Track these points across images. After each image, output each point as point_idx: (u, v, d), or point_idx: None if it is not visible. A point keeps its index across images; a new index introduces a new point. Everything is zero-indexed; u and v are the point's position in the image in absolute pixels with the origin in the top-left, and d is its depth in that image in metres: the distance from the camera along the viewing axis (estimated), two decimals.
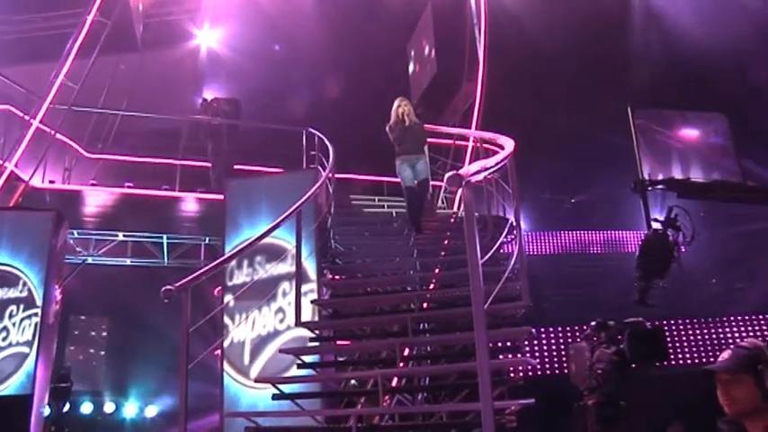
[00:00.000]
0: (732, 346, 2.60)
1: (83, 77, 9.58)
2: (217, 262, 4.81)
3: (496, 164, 4.28)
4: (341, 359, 5.93)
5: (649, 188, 8.14)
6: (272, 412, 4.76)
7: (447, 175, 3.24)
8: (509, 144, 5.46)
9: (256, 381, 5.34)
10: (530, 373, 10.95)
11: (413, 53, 14.58)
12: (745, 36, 12.03)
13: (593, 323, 6.28)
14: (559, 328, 11.95)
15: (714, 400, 2.50)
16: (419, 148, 7.76)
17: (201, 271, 4.40)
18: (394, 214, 9.15)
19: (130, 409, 13.37)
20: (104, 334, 14.61)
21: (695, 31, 12.43)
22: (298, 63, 14.32)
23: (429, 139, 8.16)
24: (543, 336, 11.93)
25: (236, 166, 10.17)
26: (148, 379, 13.31)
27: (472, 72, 11.66)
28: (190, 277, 4.20)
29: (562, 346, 11.63)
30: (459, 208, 9.43)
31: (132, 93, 11.87)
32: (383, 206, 9.62)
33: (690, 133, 10.23)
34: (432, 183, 8.31)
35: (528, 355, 9.23)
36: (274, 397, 4.83)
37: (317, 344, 5.67)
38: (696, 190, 8.68)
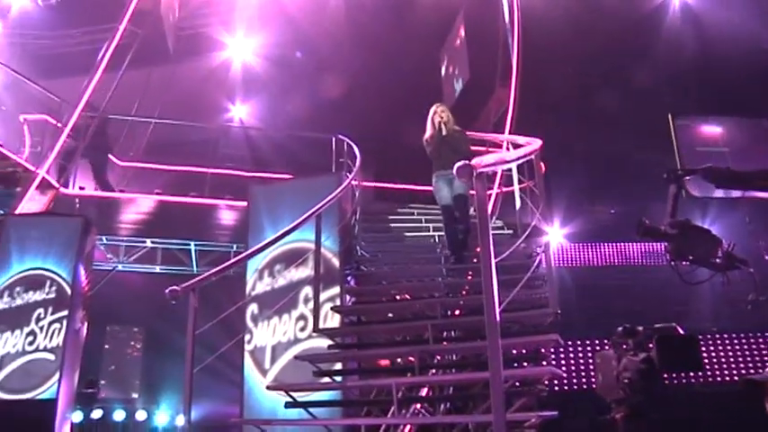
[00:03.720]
0: None
1: (113, 87, 9.68)
2: (224, 265, 4.65)
3: (517, 158, 4.04)
4: (357, 367, 5.71)
5: (685, 177, 7.71)
6: (279, 420, 4.59)
7: (457, 165, 3.02)
8: (535, 143, 5.21)
9: (268, 388, 5.17)
10: (555, 387, 10.54)
11: (446, 59, 14.42)
12: None
13: (619, 329, 5.84)
14: (587, 342, 11.46)
15: (757, 414, 2.28)
16: (458, 160, 6.83)
17: (209, 273, 4.28)
18: (423, 221, 8.92)
19: (162, 418, 13.39)
20: (139, 343, 14.77)
21: (733, 37, 12.04)
22: (330, 72, 14.29)
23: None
24: (570, 349, 11.47)
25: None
26: (181, 388, 13.27)
27: (506, 77, 11.42)
28: (196, 279, 4.10)
29: (590, 360, 11.14)
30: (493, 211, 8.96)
31: (164, 103, 12.02)
32: (413, 213, 9.37)
33: (730, 139, 9.85)
34: None
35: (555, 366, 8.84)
36: (287, 405, 4.66)
37: (334, 351, 5.47)
38: (736, 179, 8.18)
